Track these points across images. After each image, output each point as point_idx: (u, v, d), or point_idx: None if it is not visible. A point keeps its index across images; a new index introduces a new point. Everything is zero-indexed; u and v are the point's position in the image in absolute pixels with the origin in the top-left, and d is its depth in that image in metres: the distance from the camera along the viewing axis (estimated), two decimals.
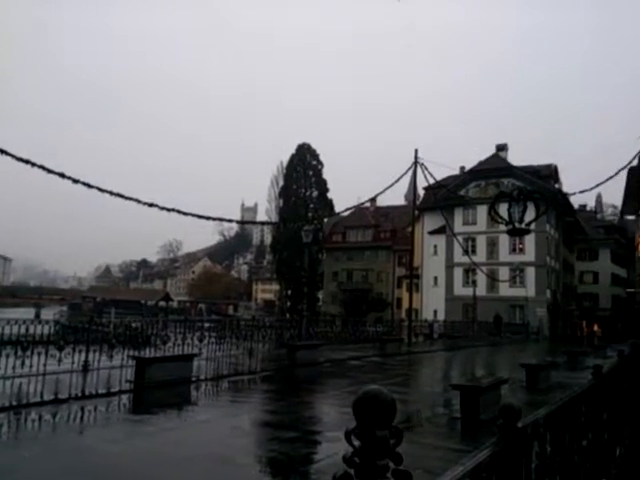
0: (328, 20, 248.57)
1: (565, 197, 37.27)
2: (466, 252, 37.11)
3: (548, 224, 42.83)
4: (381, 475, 1.14)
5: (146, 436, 6.61)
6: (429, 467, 5.01)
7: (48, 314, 34.93)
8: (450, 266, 45.67)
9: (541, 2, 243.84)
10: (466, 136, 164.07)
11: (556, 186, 47.43)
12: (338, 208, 56.85)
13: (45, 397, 8.09)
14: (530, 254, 42.67)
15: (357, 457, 1.15)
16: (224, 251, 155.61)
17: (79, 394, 8.51)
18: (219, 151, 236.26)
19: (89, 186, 9.50)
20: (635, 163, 19.95)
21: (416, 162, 23.99)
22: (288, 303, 60.64)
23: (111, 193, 9.99)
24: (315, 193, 61.28)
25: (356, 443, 1.16)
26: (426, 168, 23.88)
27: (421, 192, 49.33)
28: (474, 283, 38.02)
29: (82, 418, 7.63)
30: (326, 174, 62.31)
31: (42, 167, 8.91)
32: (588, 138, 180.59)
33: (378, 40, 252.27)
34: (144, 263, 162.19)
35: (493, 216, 17.53)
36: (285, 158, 63.67)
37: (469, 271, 41.91)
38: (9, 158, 8.30)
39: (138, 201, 10.46)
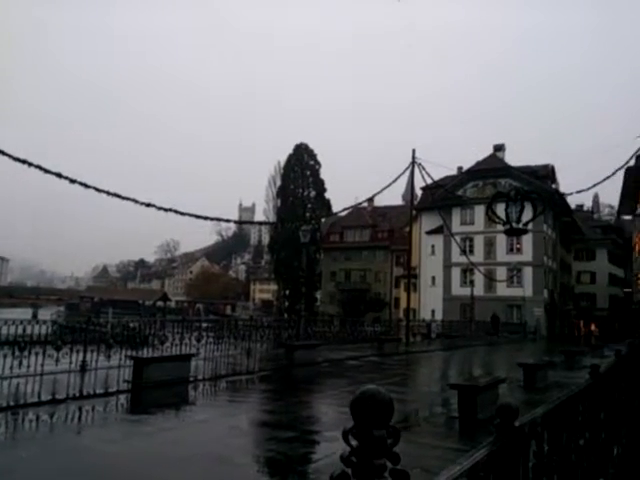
0: (328, 20, 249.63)
1: (562, 197, 37.35)
2: (464, 252, 37.21)
3: (545, 224, 42.90)
4: (378, 474, 1.14)
5: (144, 436, 6.60)
6: (427, 466, 5.02)
7: (45, 314, 34.92)
8: (448, 266, 45.73)
9: (541, 2, 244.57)
10: (465, 136, 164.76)
11: (553, 186, 47.52)
12: (336, 208, 56.87)
13: (43, 397, 8.07)
14: (527, 254, 42.74)
15: (354, 456, 1.15)
16: (222, 251, 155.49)
17: (77, 394, 8.50)
18: (219, 151, 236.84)
19: (86, 186, 9.49)
20: (632, 163, 20.01)
21: (414, 162, 24.01)
22: (286, 303, 60.58)
23: (108, 193, 9.98)
24: (313, 193, 61.24)
25: (353, 443, 1.16)
26: (423, 168, 23.92)
27: (419, 192, 49.39)
28: (472, 283, 38.05)
29: (80, 418, 7.62)
30: (324, 174, 62.35)
31: (39, 167, 8.90)
32: (587, 138, 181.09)
33: (378, 40, 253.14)
34: (142, 263, 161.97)
35: (490, 216, 17.53)
36: (283, 158, 63.67)
37: (467, 271, 41.94)
38: (6, 158, 8.28)
39: (135, 201, 10.46)
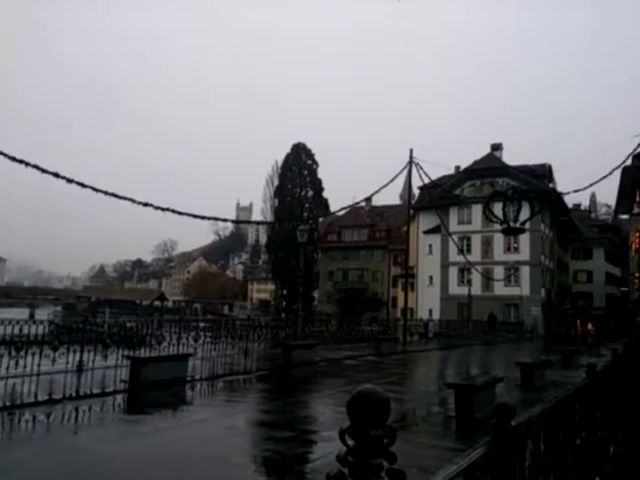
0: (328, 20, 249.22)
1: (559, 196, 37.42)
2: (461, 251, 37.27)
3: (542, 223, 42.98)
4: (375, 474, 1.14)
5: (141, 436, 6.59)
6: (424, 466, 5.02)
7: (42, 314, 34.87)
8: (445, 265, 45.77)
9: (541, 2, 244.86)
10: (465, 136, 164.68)
11: (550, 185, 47.61)
12: (333, 208, 57.00)
13: (39, 397, 8.06)
14: (525, 253, 42.81)
15: (351, 456, 1.15)
16: (219, 251, 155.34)
17: (73, 394, 8.48)
18: (218, 151, 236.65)
19: (83, 185, 9.47)
20: (629, 163, 20.05)
21: (411, 162, 24.04)
22: (283, 303, 60.56)
23: (105, 193, 9.96)
24: (310, 193, 61.23)
25: (350, 442, 1.16)
26: (421, 168, 23.95)
27: (416, 192, 49.39)
28: (469, 282, 38.07)
29: (76, 418, 7.60)
30: (322, 174, 62.36)
31: (36, 167, 8.87)
32: (587, 138, 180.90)
33: (378, 40, 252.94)
34: (139, 263, 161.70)
35: (488, 215, 17.51)
36: (281, 158, 63.64)
37: (464, 270, 41.94)
38: (3, 158, 8.25)
39: (132, 200, 10.43)
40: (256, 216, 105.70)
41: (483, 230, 42.41)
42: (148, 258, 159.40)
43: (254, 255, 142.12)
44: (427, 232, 47.52)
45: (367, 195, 24.92)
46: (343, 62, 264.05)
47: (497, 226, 17.28)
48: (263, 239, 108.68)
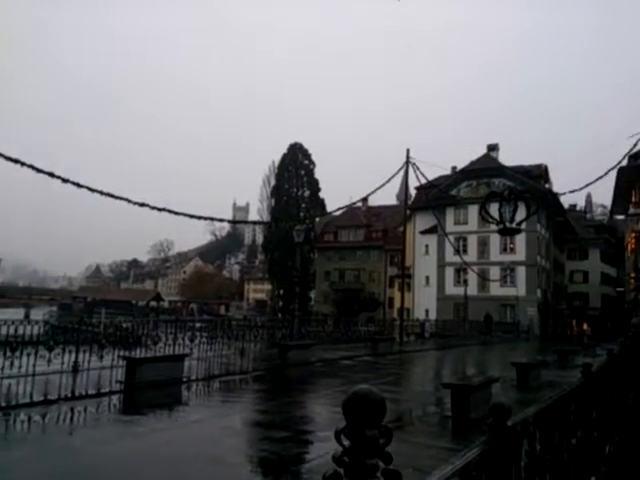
0: (328, 20, 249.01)
1: (555, 197, 37.53)
2: (457, 252, 37.30)
3: (539, 224, 43.11)
4: (370, 474, 1.14)
5: (137, 437, 6.57)
6: (420, 466, 5.03)
7: (38, 314, 34.71)
8: (441, 265, 45.85)
9: (541, 2, 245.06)
10: (464, 136, 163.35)
11: (546, 186, 47.75)
12: (330, 208, 56.91)
13: (34, 398, 8.02)
14: (521, 254, 42.93)
15: (347, 456, 1.15)
16: (216, 251, 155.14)
17: (69, 395, 8.45)
18: (218, 151, 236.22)
19: (79, 185, 9.44)
20: (625, 163, 20.13)
21: (408, 162, 24.05)
22: (280, 303, 60.57)
23: (101, 193, 9.93)
24: (307, 193, 61.25)
25: (346, 443, 1.16)
26: (417, 168, 23.96)
27: (413, 192, 49.53)
28: (465, 282, 38.18)
29: (72, 419, 7.58)
30: (319, 174, 62.39)
31: (31, 166, 8.83)
32: (586, 139, 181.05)
33: (378, 40, 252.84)
34: (135, 263, 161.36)
35: (484, 216, 17.59)
36: (278, 158, 63.64)
37: (460, 270, 42.07)
38: None
39: (128, 200, 10.40)
40: (253, 216, 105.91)
41: (479, 230, 42.52)
42: (144, 258, 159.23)
43: (250, 255, 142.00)
44: (423, 232, 47.59)
45: (364, 195, 24.91)
46: (343, 62, 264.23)
47: (493, 226, 17.34)
48: (260, 239, 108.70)
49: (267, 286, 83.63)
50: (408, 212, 39.38)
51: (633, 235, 34.89)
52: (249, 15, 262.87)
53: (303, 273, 54.77)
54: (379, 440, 1.16)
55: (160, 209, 11.14)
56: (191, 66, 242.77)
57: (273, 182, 64.30)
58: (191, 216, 12.52)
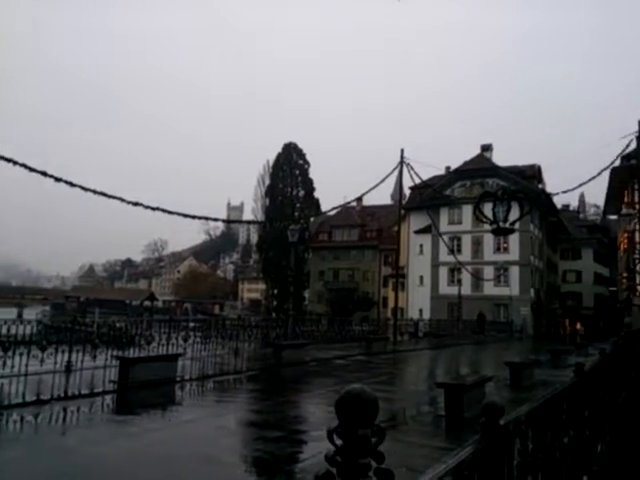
0: (328, 20, 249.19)
1: (548, 197, 37.71)
2: (451, 251, 37.34)
3: (532, 224, 43.29)
4: (363, 474, 1.14)
5: (130, 437, 6.55)
6: (413, 465, 5.04)
7: (31, 314, 34.49)
8: (435, 265, 45.96)
9: (541, 2, 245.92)
10: (461, 136, 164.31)
11: (540, 186, 47.96)
12: (324, 207, 57.00)
13: (27, 398, 7.98)
14: (514, 253, 43.10)
15: (339, 456, 1.15)
16: (210, 250, 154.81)
17: (62, 395, 8.41)
18: (217, 151, 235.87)
19: (71, 184, 9.41)
20: (617, 164, 20.24)
21: (402, 162, 24.10)
22: (274, 302, 60.51)
23: (94, 192, 9.90)
24: (301, 192, 61.20)
25: (338, 442, 1.16)
26: (412, 168, 24.04)
27: (407, 192, 49.58)
28: (459, 282, 38.27)
29: (65, 419, 7.55)
30: (314, 174, 62.34)
31: (24, 165, 8.79)
32: (585, 139, 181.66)
33: (378, 40, 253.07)
34: (129, 262, 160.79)
35: (478, 216, 17.66)
36: (272, 157, 63.54)
37: (454, 270, 42.14)
38: None
39: (122, 200, 10.38)
40: (247, 215, 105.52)
41: (473, 230, 42.64)
42: (138, 258, 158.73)
43: (245, 255, 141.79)
44: (418, 232, 47.67)
45: (358, 195, 24.97)
46: (343, 62, 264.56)
47: (487, 226, 17.41)
48: (254, 239, 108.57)
49: (261, 286, 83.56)
50: (402, 212, 39.45)
51: (625, 235, 35.10)
52: (249, 15, 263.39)
53: (297, 273, 54.75)
54: (371, 439, 1.17)
55: (154, 208, 11.12)
56: (191, 66, 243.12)
57: (268, 182, 64.23)
58: (185, 215, 12.51)
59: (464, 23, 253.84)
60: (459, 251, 42.60)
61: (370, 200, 59.83)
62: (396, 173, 24.37)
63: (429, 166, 42.88)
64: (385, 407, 8.47)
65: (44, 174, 9.00)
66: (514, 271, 42.99)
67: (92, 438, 6.42)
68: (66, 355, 10.29)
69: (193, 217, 13.09)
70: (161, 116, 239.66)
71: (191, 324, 15.87)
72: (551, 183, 68.15)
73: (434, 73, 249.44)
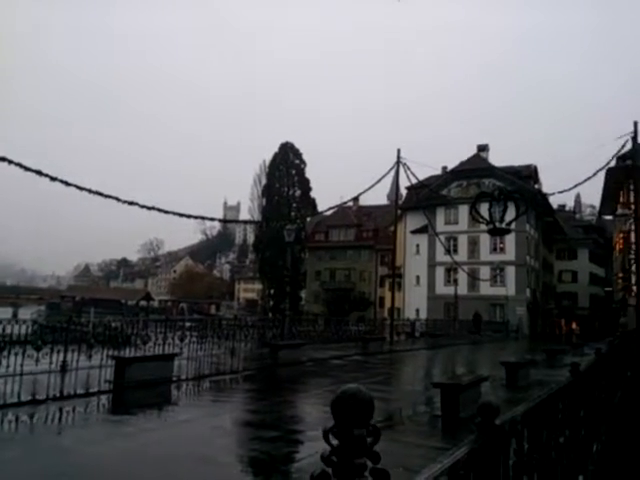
0: (328, 20, 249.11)
1: (544, 197, 37.86)
2: (448, 251, 37.50)
3: (528, 224, 43.39)
4: (359, 474, 1.14)
5: (126, 437, 6.53)
6: (409, 465, 5.03)
7: (26, 314, 34.38)
8: (432, 265, 46.01)
9: (541, 2, 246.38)
10: (459, 136, 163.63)
11: (536, 186, 48.10)
12: (321, 207, 56.88)
13: (22, 398, 7.95)
14: (510, 253, 43.20)
15: (335, 456, 1.15)
16: (206, 250, 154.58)
17: (57, 395, 8.38)
18: (218, 151, 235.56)
19: (67, 184, 9.38)
20: (613, 164, 20.31)
21: (398, 162, 24.12)
22: (271, 302, 60.45)
23: (89, 191, 9.87)
24: (298, 192, 61.15)
25: (334, 442, 1.16)
26: (408, 168, 24.06)
27: (404, 192, 49.65)
28: (455, 282, 38.34)
29: (60, 419, 7.52)
30: (311, 174, 62.25)
31: (19, 164, 8.76)
32: (585, 139, 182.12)
33: (378, 40, 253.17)
34: (124, 262, 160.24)
35: (474, 216, 17.70)
36: (269, 157, 63.48)
37: (451, 270, 42.20)
38: None
39: (117, 199, 10.36)
40: (244, 215, 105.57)
41: (469, 230, 42.73)
42: (134, 257, 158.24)
43: (241, 255, 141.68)
44: (414, 232, 47.73)
45: (355, 195, 24.99)
46: (343, 62, 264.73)
47: (483, 226, 17.46)
48: (250, 238, 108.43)
49: (258, 286, 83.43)
50: (399, 212, 39.47)
51: (621, 235, 35.25)
52: (249, 15, 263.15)
53: (294, 273, 54.77)
54: (367, 439, 1.17)
55: (149, 207, 11.10)
56: (191, 66, 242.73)
57: (264, 181, 64.13)
58: (181, 215, 12.50)
59: (464, 23, 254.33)
60: (455, 251, 42.67)
61: (366, 200, 59.98)
62: (393, 173, 24.41)
63: (425, 166, 43.01)
64: (381, 407, 8.47)
65: (39, 173, 8.97)
66: (510, 271, 43.10)
67: (88, 438, 6.39)
68: (61, 355, 10.25)
69: (189, 217, 13.09)
70: (161, 116, 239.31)
71: (187, 324, 15.86)
72: (547, 183, 68.41)
73: (434, 73, 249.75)
